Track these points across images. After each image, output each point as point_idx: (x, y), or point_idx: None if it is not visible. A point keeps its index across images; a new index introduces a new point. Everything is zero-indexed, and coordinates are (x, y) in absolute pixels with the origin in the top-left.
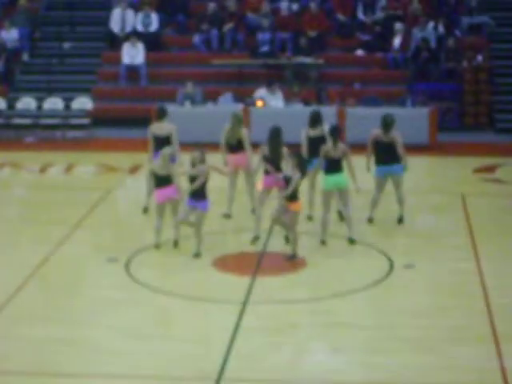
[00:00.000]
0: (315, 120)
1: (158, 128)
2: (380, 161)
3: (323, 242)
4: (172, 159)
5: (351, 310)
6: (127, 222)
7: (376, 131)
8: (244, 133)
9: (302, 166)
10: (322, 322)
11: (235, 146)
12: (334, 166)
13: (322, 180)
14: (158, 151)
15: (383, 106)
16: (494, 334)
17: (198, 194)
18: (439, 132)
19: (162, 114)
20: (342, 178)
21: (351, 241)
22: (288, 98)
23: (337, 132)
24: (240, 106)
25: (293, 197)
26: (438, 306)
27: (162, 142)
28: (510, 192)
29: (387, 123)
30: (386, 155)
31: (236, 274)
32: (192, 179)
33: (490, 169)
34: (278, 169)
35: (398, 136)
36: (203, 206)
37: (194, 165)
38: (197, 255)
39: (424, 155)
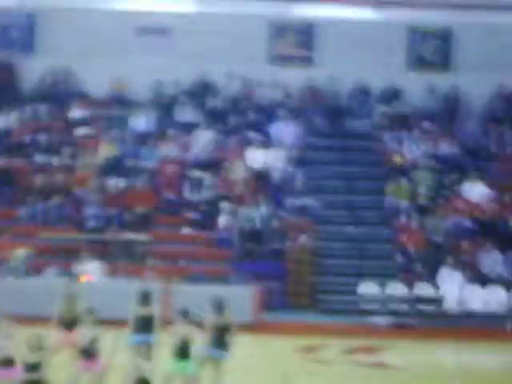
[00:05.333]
0: (146, 298)
1: None
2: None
3: None
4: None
5: None
6: None
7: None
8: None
9: None
10: None
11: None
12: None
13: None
14: None
15: (209, 283)
16: None
17: None
18: (264, 311)
19: None
20: (186, 364)
21: None
22: (113, 273)
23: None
24: (65, 280)
25: None
26: None
27: None
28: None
29: (218, 305)
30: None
31: None
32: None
33: (312, 348)
34: None
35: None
36: None
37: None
38: None
39: (248, 334)
